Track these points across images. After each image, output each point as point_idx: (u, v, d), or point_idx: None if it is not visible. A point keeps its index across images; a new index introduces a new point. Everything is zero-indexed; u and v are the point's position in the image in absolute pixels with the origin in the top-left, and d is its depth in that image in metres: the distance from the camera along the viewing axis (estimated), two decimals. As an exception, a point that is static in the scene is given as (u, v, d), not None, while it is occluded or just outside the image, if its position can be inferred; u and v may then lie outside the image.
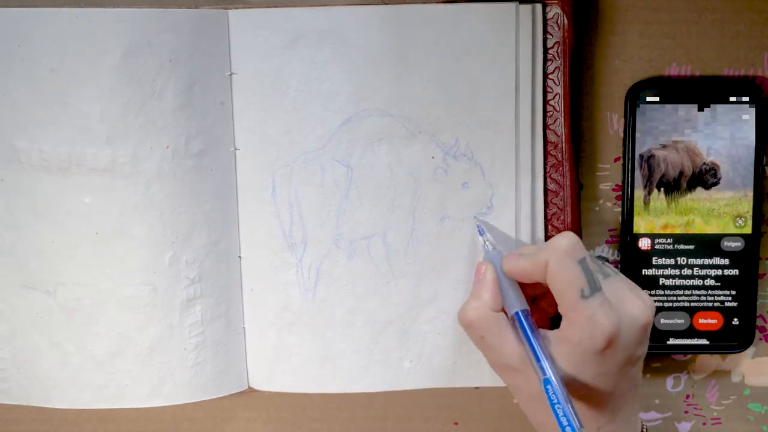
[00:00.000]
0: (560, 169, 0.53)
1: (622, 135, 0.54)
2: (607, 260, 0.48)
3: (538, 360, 0.45)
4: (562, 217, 0.53)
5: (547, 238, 0.53)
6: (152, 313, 0.52)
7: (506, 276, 0.48)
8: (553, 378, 0.44)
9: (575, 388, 0.45)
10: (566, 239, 0.45)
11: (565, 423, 0.43)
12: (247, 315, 0.54)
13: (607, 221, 0.55)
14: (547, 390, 0.44)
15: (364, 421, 0.58)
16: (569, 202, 0.53)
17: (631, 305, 0.45)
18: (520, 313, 0.47)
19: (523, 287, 0.49)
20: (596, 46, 0.53)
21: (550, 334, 0.46)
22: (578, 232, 0.53)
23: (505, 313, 0.48)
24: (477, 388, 0.56)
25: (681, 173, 0.53)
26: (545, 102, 0.52)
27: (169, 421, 0.57)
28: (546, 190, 0.53)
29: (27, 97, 0.50)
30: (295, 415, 0.57)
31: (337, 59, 0.51)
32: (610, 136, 0.55)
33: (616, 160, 0.55)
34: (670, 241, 0.54)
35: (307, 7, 0.50)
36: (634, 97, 0.53)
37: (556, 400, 0.43)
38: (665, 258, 0.54)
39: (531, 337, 0.46)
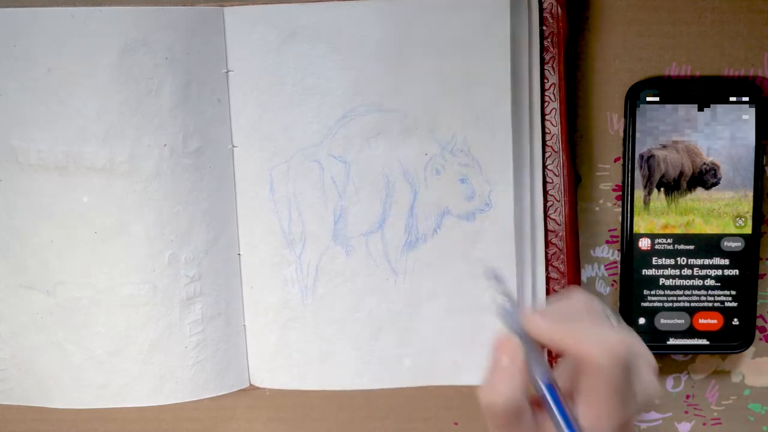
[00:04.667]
0: (556, 160, 0.53)
1: (622, 135, 0.54)
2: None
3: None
4: (559, 208, 0.53)
5: (546, 233, 0.53)
6: (152, 312, 0.52)
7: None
8: None
9: None
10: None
11: None
12: (247, 312, 0.54)
13: (607, 221, 0.55)
14: None
15: (364, 421, 0.58)
16: (566, 194, 0.53)
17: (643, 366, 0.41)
18: (552, 386, 0.41)
19: None
20: (596, 46, 0.53)
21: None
22: (574, 223, 0.53)
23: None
24: (478, 386, 0.56)
25: (681, 173, 0.53)
26: (542, 93, 0.52)
27: (169, 420, 0.57)
28: (543, 182, 0.53)
29: (24, 97, 0.50)
30: (296, 414, 0.57)
31: (333, 55, 0.51)
32: (610, 136, 0.54)
33: (616, 160, 0.55)
34: (670, 241, 0.54)
35: (302, 2, 0.50)
36: (634, 97, 0.53)
37: None
38: (665, 258, 0.54)
39: (564, 412, 0.41)
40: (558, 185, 0.53)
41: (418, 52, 0.51)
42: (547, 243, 0.53)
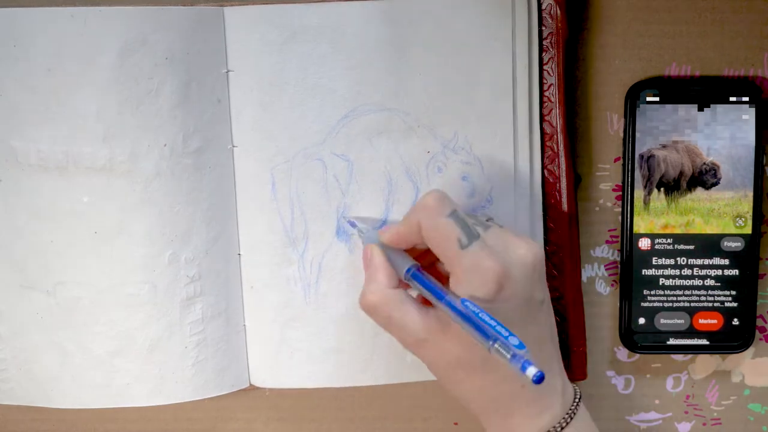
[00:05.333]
0: (556, 160, 0.53)
1: (622, 135, 0.54)
2: (491, 219, 0.49)
3: (443, 298, 0.44)
4: (559, 209, 0.53)
5: (546, 231, 0.53)
6: (152, 312, 0.52)
7: (388, 247, 0.48)
8: (462, 302, 0.43)
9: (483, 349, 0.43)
10: (431, 196, 0.45)
11: (506, 334, 0.41)
12: (247, 312, 0.54)
13: (607, 221, 0.55)
14: (466, 309, 0.42)
15: (363, 421, 0.58)
16: (566, 194, 0.53)
17: (515, 247, 0.45)
18: (412, 268, 0.47)
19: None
20: (596, 46, 0.53)
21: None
22: (575, 224, 0.53)
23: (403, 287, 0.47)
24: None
25: (681, 173, 0.53)
26: (541, 93, 0.52)
27: (169, 421, 0.57)
28: (544, 181, 0.53)
29: (24, 97, 0.50)
30: (295, 415, 0.57)
31: (335, 54, 0.51)
32: (610, 136, 0.55)
33: (616, 160, 0.55)
34: (670, 241, 0.54)
35: (302, 2, 0.50)
36: (634, 97, 0.53)
37: (479, 314, 0.42)
38: (665, 258, 0.54)
39: (429, 284, 0.45)
40: (558, 185, 0.53)
41: (419, 52, 0.51)
42: (548, 242, 0.53)
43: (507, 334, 0.41)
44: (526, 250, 0.45)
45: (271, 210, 0.52)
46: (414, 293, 0.47)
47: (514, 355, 0.40)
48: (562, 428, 0.47)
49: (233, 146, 0.52)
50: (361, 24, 0.50)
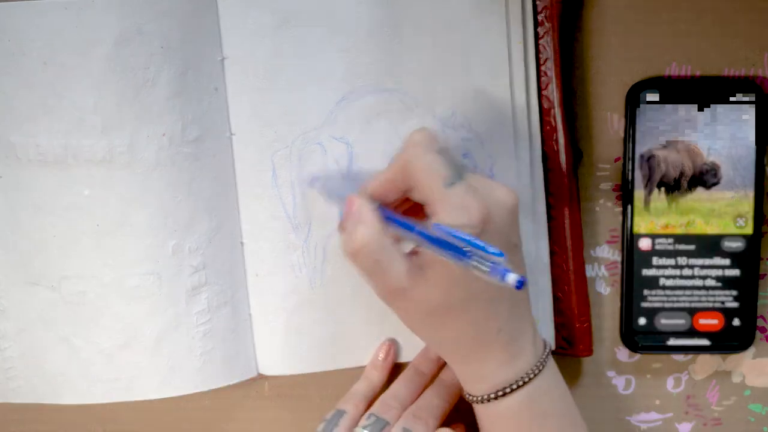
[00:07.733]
0: (555, 135, 0.52)
1: (622, 135, 0.54)
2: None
3: (413, 229, 0.43)
4: (559, 182, 0.53)
5: (548, 208, 0.53)
6: (158, 303, 0.52)
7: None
8: (434, 227, 0.42)
9: None
10: (420, 133, 0.45)
11: (482, 244, 0.40)
12: (252, 300, 0.54)
13: (607, 221, 0.56)
14: (440, 231, 0.42)
15: (364, 421, 0.58)
16: (566, 168, 0.53)
17: (496, 190, 0.45)
18: (380, 206, 0.45)
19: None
20: (596, 46, 0.54)
21: None
22: (576, 198, 0.53)
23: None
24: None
25: (681, 173, 0.53)
26: (538, 68, 0.52)
27: (168, 422, 0.57)
28: (545, 156, 0.53)
29: (20, 92, 0.50)
30: (296, 416, 0.57)
31: (330, 37, 0.51)
32: (610, 136, 0.55)
33: (616, 160, 0.55)
34: (670, 241, 0.54)
35: None
36: (634, 97, 0.53)
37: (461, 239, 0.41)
38: (666, 258, 0.54)
39: (399, 219, 0.45)
40: (557, 160, 0.52)
41: (414, 30, 0.51)
42: (550, 217, 0.53)
43: (483, 244, 0.40)
44: (505, 194, 0.45)
45: (272, 197, 0.52)
46: None
47: (493, 266, 0.39)
48: (535, 375, 0.47)
49: (231, 134, 0.52)
50: (354, 5, 0.50)
